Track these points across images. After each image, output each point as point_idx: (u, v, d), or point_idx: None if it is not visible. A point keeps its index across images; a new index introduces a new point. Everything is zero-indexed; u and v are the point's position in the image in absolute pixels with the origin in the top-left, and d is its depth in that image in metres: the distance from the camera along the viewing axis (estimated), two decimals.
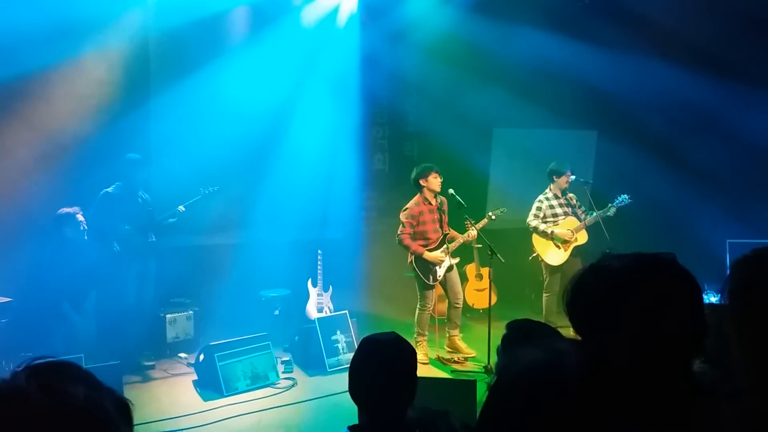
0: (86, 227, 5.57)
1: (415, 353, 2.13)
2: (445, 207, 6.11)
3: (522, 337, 2.33)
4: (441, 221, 6.06)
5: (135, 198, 5.92)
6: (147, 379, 5.59)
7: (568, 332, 1.34)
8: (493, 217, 6.01)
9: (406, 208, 5.99)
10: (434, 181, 5.92)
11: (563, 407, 0.76)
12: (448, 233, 6.07)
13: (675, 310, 1.26)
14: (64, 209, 5.53)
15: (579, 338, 1.25)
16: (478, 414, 0.87)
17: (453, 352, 6.12)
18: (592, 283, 1.33)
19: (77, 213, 5.54)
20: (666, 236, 6.80)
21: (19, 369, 0.88)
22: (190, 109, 6.55)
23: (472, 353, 6.04)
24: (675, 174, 7.38)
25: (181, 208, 6.06)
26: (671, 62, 7.14)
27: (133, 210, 5.86)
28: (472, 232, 5.94)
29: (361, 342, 2.13)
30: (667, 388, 0.79)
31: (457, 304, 6.14)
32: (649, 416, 0.76)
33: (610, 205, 6.27)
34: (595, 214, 6.29)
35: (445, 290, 6.13)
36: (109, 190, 5.82)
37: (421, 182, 5.95)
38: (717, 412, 1.30)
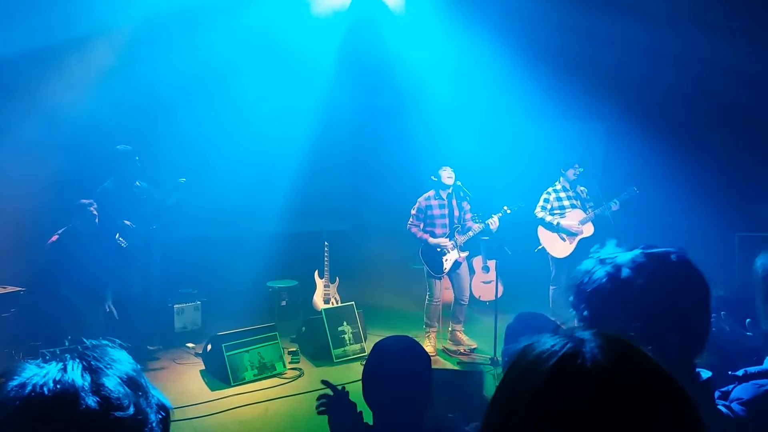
0: (98, 221, 5.58)
1: (430, 358, 2.09)
2: (467, 205, 6.11)
3: (525, 328, 2.34)
4: (452, 216, 6.05)
5: (132, 189, 5.89)
6: (154, 368, 5.62)
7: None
8: (508, 211, 6.00)
9: (417, 202, 6.08)
10: (444, 176, 5.97)
11: (579, 398, 0.72)
12: (457, 227, 6.06)
13: (682, 308, 1.25)
14: (84, 201, 5.56)
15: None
16: (485, 405, 0.85)
17: (456, 344, 6.14)
18: (599, 276, 1.32)
19: (91, 206, 5.55)
20: (675, 229, 6.74)
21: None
22: (197, 97, 6.52)
23: (473, 344, 6.07)
24: (684, 166, 7.32)
25: (182, 179, 5.96)
26: (681, 53, 7.06)
27: (132, 202, 5.83)
28: (494, 223, 5.92)
29: (374, 347, 2.09)
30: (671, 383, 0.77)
31: (463, 300, 6.14)
32: (658, 410, 0.73)
33: (615, 200, 6.24)
34: (599, 208, 6.27)
35: (453, 285, 6.14)
36: (106, 185, 5.82)
37: (433, 178, 6.03)
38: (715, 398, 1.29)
